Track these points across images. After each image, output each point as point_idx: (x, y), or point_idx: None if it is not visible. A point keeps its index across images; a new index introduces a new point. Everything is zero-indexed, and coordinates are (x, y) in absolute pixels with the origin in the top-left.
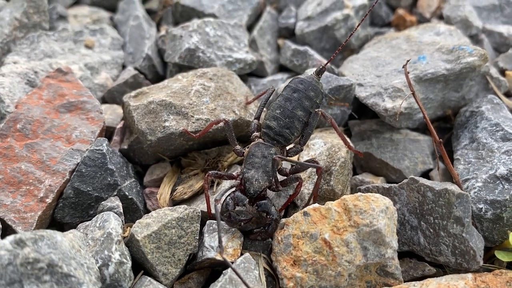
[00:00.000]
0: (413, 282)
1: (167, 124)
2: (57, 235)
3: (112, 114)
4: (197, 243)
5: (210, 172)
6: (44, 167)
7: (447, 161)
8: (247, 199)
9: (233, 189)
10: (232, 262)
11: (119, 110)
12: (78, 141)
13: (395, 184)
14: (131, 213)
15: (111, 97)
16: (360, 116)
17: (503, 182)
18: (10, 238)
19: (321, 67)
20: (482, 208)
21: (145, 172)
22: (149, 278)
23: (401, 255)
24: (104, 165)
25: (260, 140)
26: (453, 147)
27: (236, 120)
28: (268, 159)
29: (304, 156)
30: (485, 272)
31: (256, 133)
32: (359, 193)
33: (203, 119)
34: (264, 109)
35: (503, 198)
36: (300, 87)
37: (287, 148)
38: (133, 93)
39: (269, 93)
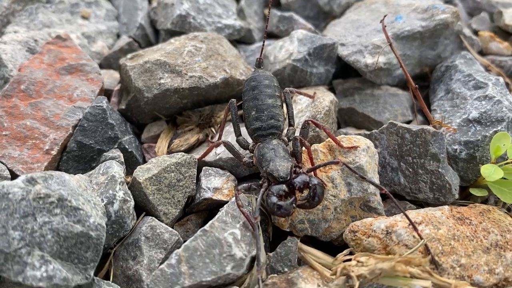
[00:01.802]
0: (394, 215)
1: (162, 81)
2: (65, 175)
3: (109, 78)
4: (195, 186)
5: (239, 187)
6: (48, 123)
7: (423, 105)
8: (284, 185)
9: (262, 189)
10: (227, 202)
11: (115, 74)
12: (79, 99)
13: (375, 130)
14: (131, 166)
15: (107, 63)
16: (343, 76)
17: (475, 125)
18: (22, 177)
19: (258, 59)
20: (457, 149)
21: (142, 132)
22: (151, 217)
23: (384, 196)
24: (105, 120)
25: (259, 143)
26: (430, 100)
27: (227, 78)
28: (276, 149)
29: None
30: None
31: (251, 143)
32: (342, 135)
33: (196, 76)
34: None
35: (475, 139)
36: (254, 83)
37: (284, 137)
38: (129, 55)
39: (233, 107)
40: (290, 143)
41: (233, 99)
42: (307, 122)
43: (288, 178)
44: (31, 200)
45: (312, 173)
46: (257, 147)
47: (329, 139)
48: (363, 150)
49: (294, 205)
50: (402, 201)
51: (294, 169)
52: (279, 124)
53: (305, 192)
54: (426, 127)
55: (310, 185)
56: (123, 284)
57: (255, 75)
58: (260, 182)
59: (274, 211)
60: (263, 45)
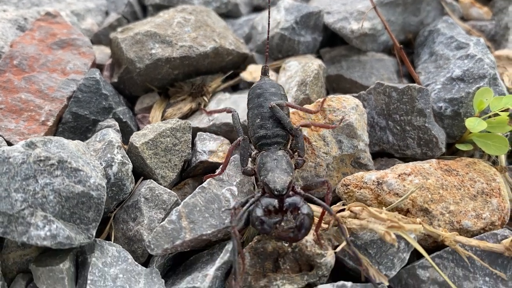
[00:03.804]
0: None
1: (153, 51)
2: (63, 139)
3: (100, 53)
4: (190, 151)
5: (235, 204)
6: (43, 95)
7: (408, 64)
8: (276, 200)
9: (253, 199)
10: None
11: (106, 50)
12: (73, 72)
13: (363, 92)
14: (126, 136)
15: (98, 40)
16: (330, 45)
17: (458, 83)
18: (21, 142)
19: (264, 67)
20: (442, 106)
21: (135, 105)
22: (150, 179)
23: (373, 156)
24: (99, 90)
25: (263, 151)
26: (415, 64)
27: (217, 48)
28: (279, 160)
29: (282, 78)
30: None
31: (254, 152)
32: (331, 95)
33: (186, 46)
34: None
35: (459, 96)
36: (259, 91)
37: (289, 149)
38: (119, 29)
39: (245, 143)
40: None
41: (245, 137)
42: (298, 129)
43: (284, 192)
44: (31, 163)
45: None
46: (260, 155)
47: (318, 99)
48: (352, 108)
49: (277, 225)
50: (391, 159)
51: (292, 185)
52: (284, 133)
53: (290, 216)
54: (411, 84)
55: (299, 212)
56: (124, 246)
57: (261, 83)
58: (255, 191)
59: (254, 223)
60: (266, 51)
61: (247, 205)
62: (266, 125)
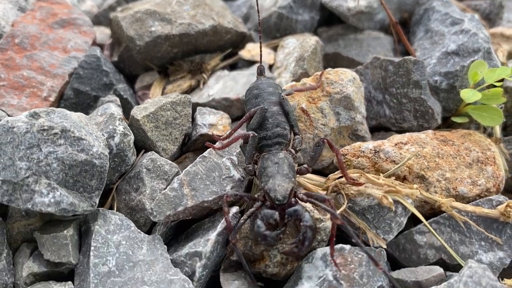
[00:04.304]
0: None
1: (153, 29)
2: (66, 111)
3: (100, 34)
4: (190, 125)
5: (229, 193)
6: (44, 72)
7: (403, 38)
8: (277, 213)
9: (252, 209)
10: (219, 136)
11: (106, 31)
12: (74, 50)
13: (360, 66)
14: (127, 112)
15: (97, 21)
16: (327, 24)
17: (453, 57)
18: (25, 113)
19: (259, 67)
20: (437, 80)
21: (134, 84)
22: (151, 151)
23: (370, 130)
24: (100, 67)
25: (264, 153)
26: (411, 41)
27: (215, 26)
28: (281, 163)
29: (280, 55)
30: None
31: (255, 154)
32: (329, 69)
33: (185, 23)
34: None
35: (454, 69)
36: (256, 92)
37: (291, 148)
38: (119, 8)
39: (253, 140)
40: (298, 154)
41: (255, 134)
42: (322, 140)
43: (285, 202)
44: (35, 132)
45: (310, 205)
46: (261, 157)
47: (316, 73)
48: (350, 80)
49: (280, 236)
50: (388, 132)
51: (294, 191)
52: (285, 133)
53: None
54: (407, 57)
55: (302, 224)
56: (127, 216)
57: (258, 83)
58: (256, 196)
59: (257, 238)
60: (260, 51)
61: (245, 216)
62: (266, 125)
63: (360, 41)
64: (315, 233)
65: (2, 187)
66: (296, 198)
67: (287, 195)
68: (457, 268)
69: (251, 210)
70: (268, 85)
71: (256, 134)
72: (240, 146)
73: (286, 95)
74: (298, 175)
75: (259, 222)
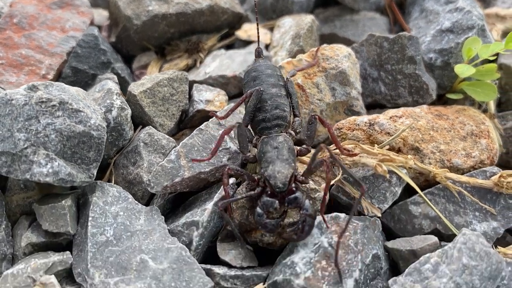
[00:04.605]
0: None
1: (150, 8)
2: (64, 84)
3: (98, 16)
4: (187, 101)
5: (230, 166)
6: (43, 51)
7: (398, 16)
8: (277, 201)
9: (251, 193)
10: (216, 111)
11: (104, 13)
12: (72, 30)
13: (355, 44)
14: (124, 91)
15: (95, 4)
16: (324, 6)
17: (448, 34)
18: (23, 86)
19: (257, 49)
20: (432, 57)
21: (132, 65)
22: (149, 126)
23: (366, 107)
24: (97, 46)
25: (263, 136)
26: (406, 22)
27: (212, 6)
28: (280, 148)
29: (276, 35)
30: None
31: (255, 138)
32: (324, 45)
33: (182, 2)
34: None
35: (449, 46)
36: (255, 74)
37: (291, 130)
38: None
39: (257, 94)
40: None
41: (240, 123)
42: (313, 117)
43: (285, 189)
44: (33, 104)
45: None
46: (261, 141)
47: (311, 49)
48: (345, 56)
49: (281, 223)
50: (383, 109)
51: (295, 176)
52: (285, 115)
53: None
54: (402, 33)
55: (301, 213)
56: (124, 189)
57: (256, 65)
58: (256, 177)
59: (258, 226)
60: (258, 33)
61: (243, 193)
62: (265, 108)
63: (356, 22)
64: (314, 220)
65: (0, 159)
66: (297, 183)
67: (287, 182)
68: (451, 238)
69: (251, 193)
70: (266, 67)
71: (240, 123)
72: (239, 128)
73: (290, 76)
74: (299, 157)
75: (259, 210)
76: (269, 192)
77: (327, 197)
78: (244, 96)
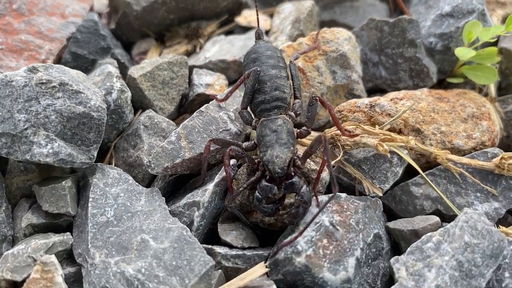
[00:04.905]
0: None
1: None
2: (64, 66)
3: (98, 3)
4: (187, 85)
5: (232, 147)
6: (43, 36)
7: (398, 0)
8: (275, 187)
9: (252, 179)
10: (216, 95)
11: (103, 0)
12: (71, 15)
13: (356, 28)
14: (124, 77)
15: None
16: None
17: (448, 18)
18: (23, 67)
19: (257, 31)
20: (432, 41)
21: (131, 51)
22: (149, 109)
23: (367, 92)
24: (97, 31)
25: (263, 118)
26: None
27: None
28: (279, 131)
29: (276, 21)
30: None
31: (254, 120)
32: (325, 28)
33: None
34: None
35: (449, 31)
36: (254, 55)
37: (291, 112)
38: None
39: (254, 75)
40: (299, 118)
41: (259, 70)
42: (314, 98)
43: (283, 174)
44: (33, 86)
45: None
46: (260, 124)
47: (311, 33)
48: (345, 39)
49: (279, 207)
50: (384, 94)
51: (294, 159)
52: (284, 96)
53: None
54: (402, 16)
55: (296, 198)
56: (125, 172)
57: (256, 47)
58: (256, 160)
59: (257, 209)
60: (257, 15)
61: (245, 186)
62: (264, 89)
63: (356, 8)
64: (308, 207)
65: (1, 140)
66: (296, 168)
67: (285, 166)
68: (452, 219)
69: (252, 179)
70: (266, 49)
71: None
72: (239, 113)
73: (294, 59)
74: (299, 139)
75: (258, 195)
76: (268, 177)
77: (321, 175)
78: (243, 77)
